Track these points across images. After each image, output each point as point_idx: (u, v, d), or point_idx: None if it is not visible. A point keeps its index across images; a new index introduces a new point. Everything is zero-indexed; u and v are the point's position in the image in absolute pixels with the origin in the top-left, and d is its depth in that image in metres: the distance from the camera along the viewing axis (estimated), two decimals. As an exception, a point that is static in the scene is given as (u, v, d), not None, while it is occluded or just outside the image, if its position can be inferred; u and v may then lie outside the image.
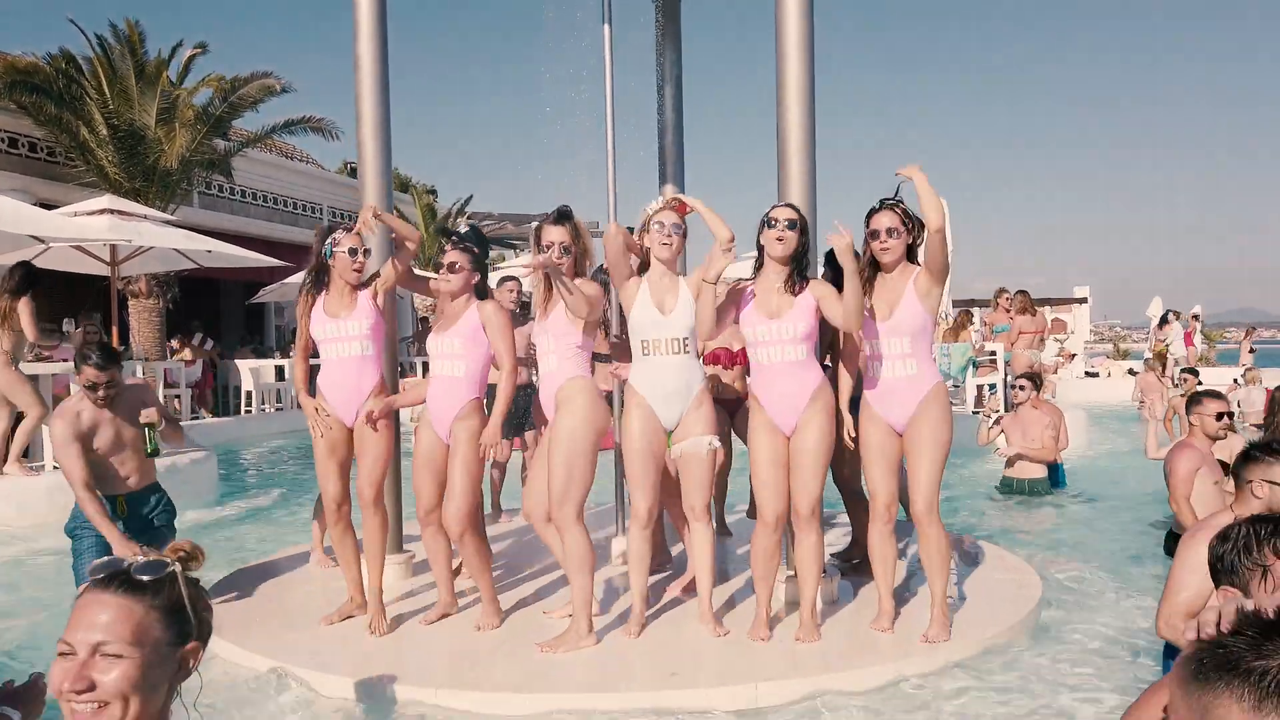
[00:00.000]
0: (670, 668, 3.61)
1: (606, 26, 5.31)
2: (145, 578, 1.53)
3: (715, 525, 4.40)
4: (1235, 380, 15.70)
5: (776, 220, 3.77)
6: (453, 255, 4.03)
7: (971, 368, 11.76)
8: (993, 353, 11.93)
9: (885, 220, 3.80)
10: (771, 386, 3.79)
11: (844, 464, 4.58)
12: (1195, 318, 21.75)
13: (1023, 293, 12.47)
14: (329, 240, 4.10)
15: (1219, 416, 5.07)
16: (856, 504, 4.77)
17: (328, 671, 3.68)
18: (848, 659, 3.70)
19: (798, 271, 3.79)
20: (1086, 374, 22.41)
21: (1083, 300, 29.42)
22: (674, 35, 6.18)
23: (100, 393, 4.16)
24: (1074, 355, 24.26)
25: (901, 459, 3.90)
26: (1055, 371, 20.18)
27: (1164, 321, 21.60)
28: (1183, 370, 10.93)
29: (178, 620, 1.54)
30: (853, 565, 4.89)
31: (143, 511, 4.43)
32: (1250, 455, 3.17)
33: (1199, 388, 7.72)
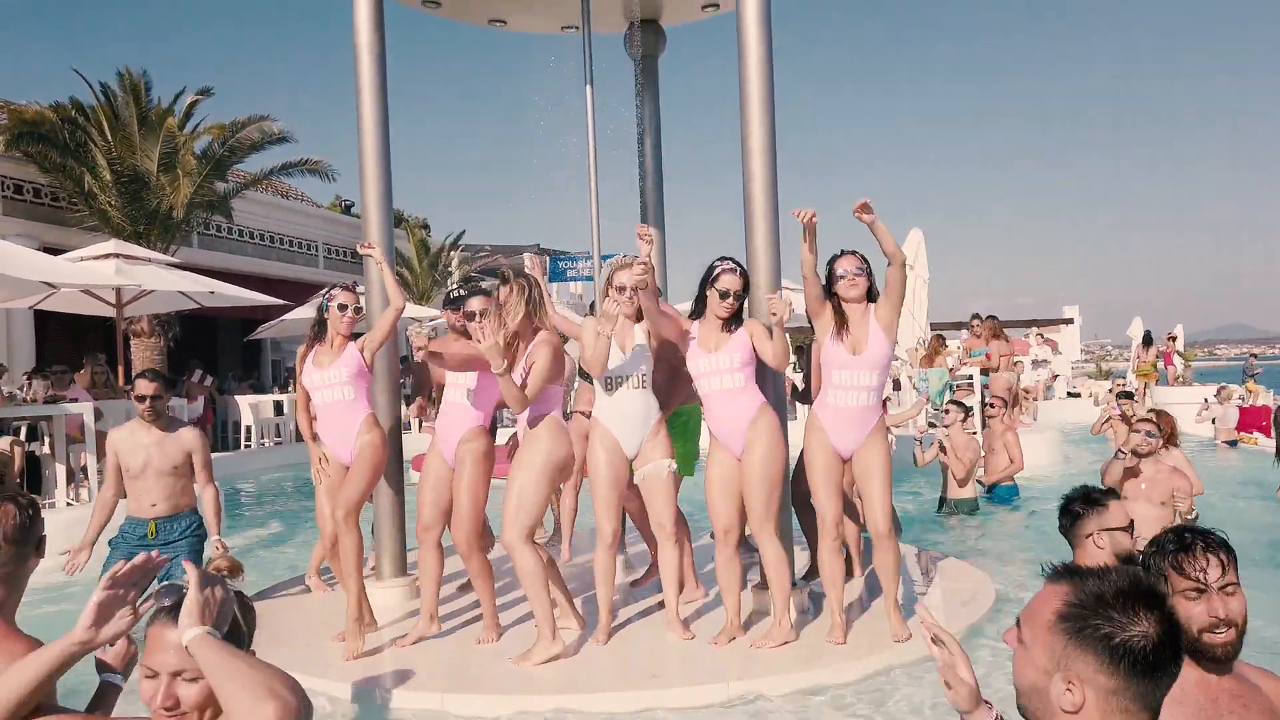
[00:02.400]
0: (644, 670, 4.01)
1: (589, 87, 5.79)
2: None
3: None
4: (1206, 399, 16.15)
5: (728, 292, 4.20)
6: (474, 304, 4.51)
7: (949, 391, 12.17)
8: (969, 376, 12.34)
9: (851, 262, 4.28)
10: (715, 413, 4.23)
11: (801, 479, 5.01)
12: (1172, 338, 22.22)
13: (992, 318, 12.95)
14: (326, 295, 4.56)
15: (1134, 452, 5.26)
16: (811, 518, 5.20)
17: (327, 679, 4.02)
18: (807, 661, 4.07)
19: (735, 318, 4.26)
20: (1069, 394, 22.81)
21: (1069, 321, 29.94)
22: (652, 90, 6.66)
23: (148, 404, 4.72)
24: (1056, 376, 24.72)
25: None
26: (1039, 395, 20.62)
27: (1147, 342, 22.08)
28: (1119, 395, 11.27)
29: (232, 634, 1.91)
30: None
31: (170, 534, 4.84)
32: (1076, 511, 3.10)
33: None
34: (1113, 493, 3.13)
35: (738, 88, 4.79)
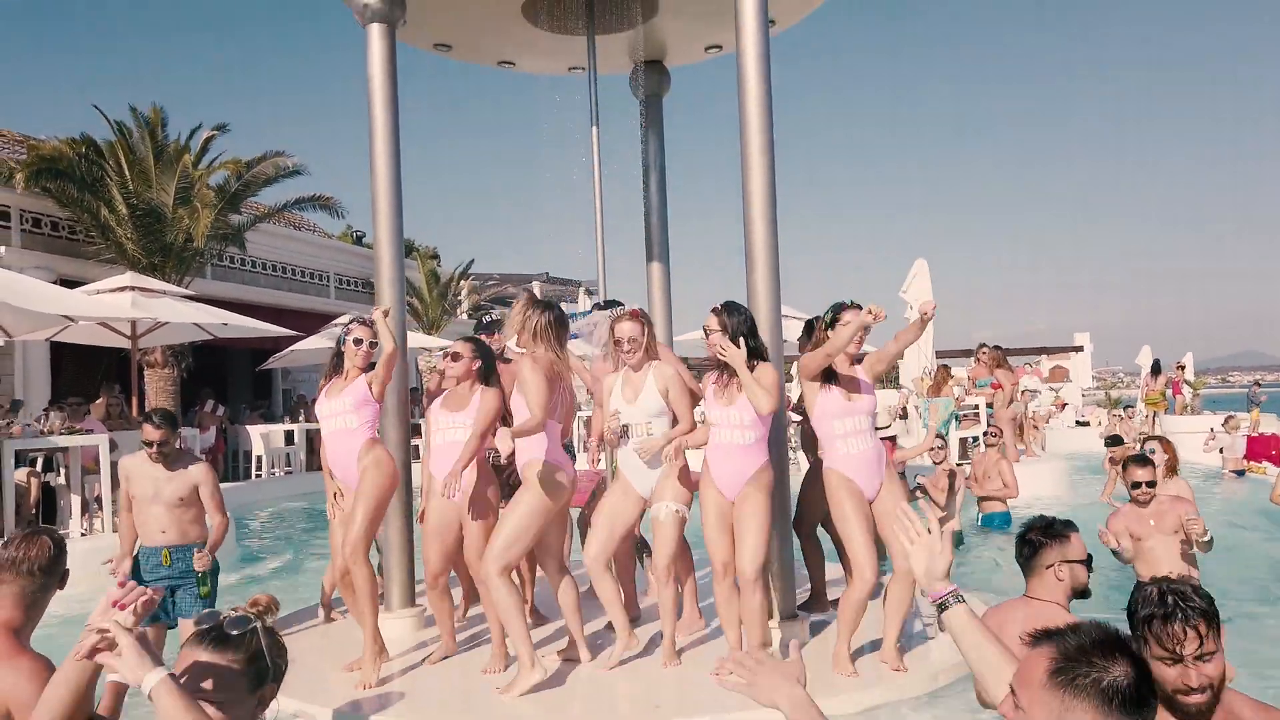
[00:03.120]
0: (646, 701, 4.09)
1: (594, 127, 5.95)
2: (233, 632, 2.01)
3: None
4: (1212, 429, 16.12)
5: (708, 330, 4.30)
6: (456, 346, 4.71)
7: (954, 421, 12.22)
8: (975, 406, 12.40)
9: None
10: (718, 460, 4.31)
11: (807, 512, 5.09)
12: (1180, 367, 22.20)
13: (997, 348, 13.02)
14: (344, 329, 4.70)
15: (1135, 484, 5.16)
16: (813, 548, 5.26)
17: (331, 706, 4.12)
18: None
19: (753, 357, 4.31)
20: (1077, 423, 22.77)
21: (1079, 348, 29.90)
22: (657, 129, 6.82)
23: (154, 449, 4.80)
24: (1065, 404, 24.68)
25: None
26: (1047, 420, 20.61)
27: (1156, 370, 22.06)
28: (1107, 442, 11.27)
29: (257, 667, 2.01)
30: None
31: (183, 561, 4.89)
32: (1038, 542, 3.09)
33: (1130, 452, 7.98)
34: (1072, 524, 3.13)
35: (739, 125, 4.93)
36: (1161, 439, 7.43)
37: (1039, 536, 3.08)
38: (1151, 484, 5.16)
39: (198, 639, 2.00)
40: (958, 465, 11.94)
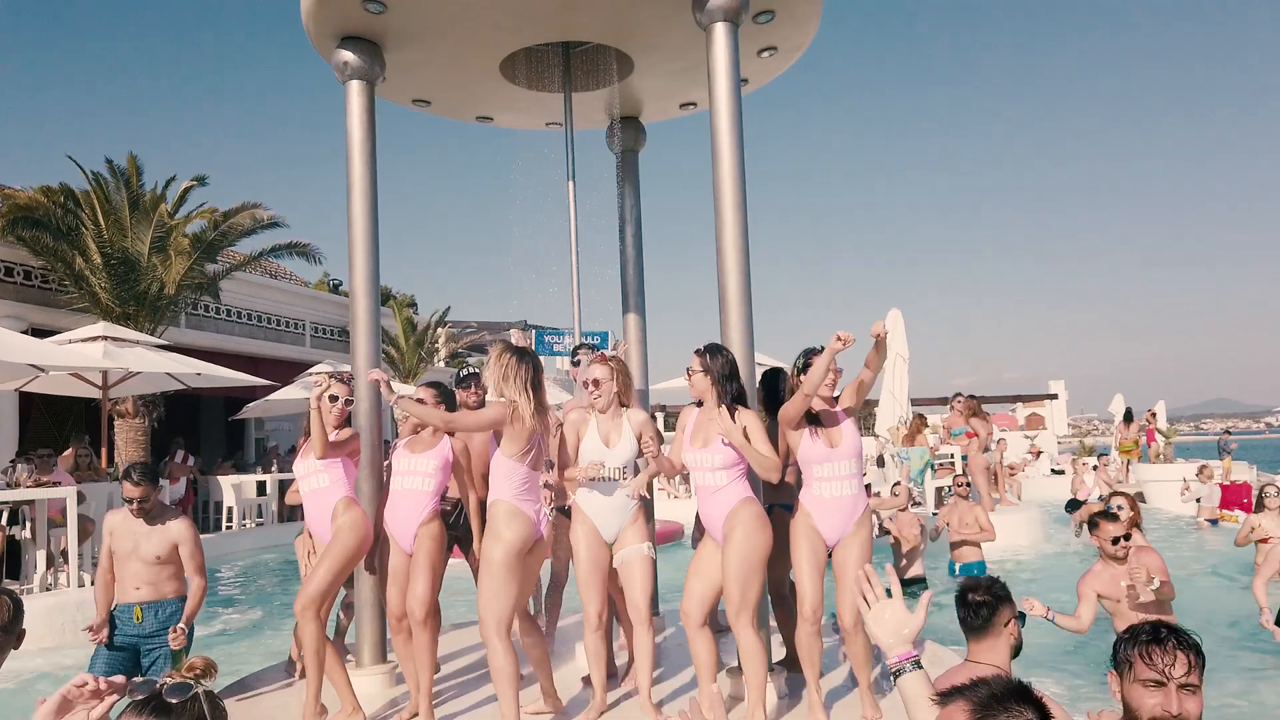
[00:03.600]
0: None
1: (570, 182, 6.03)
2: (173, 700, 1.97)
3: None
4: (1185, 479, 16.29)
5: (690, 371, 4.34)
6: (420, 392, 4.78)
7: (930, 470, 12.29)
8: (950, 455, 12.48)
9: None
10: (700, 504, 4.34)
11: (771, 569, 5.06)
12: (1152, 415, 22.47)
13: (972, 397, 13.14)
14: (321, 385, 4.68)
15: (1114, 540, 5.15)
16: (782, 608, 5.23)
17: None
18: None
19: (738, 403, 4.35)
20: (1053, 471, 22.92)
21: (1054, 396, 30.20)
22: (633, 182, 6.91)
23: (134, 506, 4.81)
24: (1040, 453, 24.86)
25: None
26: (1023, 469, 20.75)
27: (1128, 419, 22.32)
28: (1067, 506, 11.40)
29: None
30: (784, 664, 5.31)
31: (156, 620, 4.85)
32: (995, 601, 3.17)
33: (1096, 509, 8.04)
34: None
35: (712, 181, 5.01)
36: (1128, 495, 7.52)
37: (991, 596, 3.12)
38: (1127, 537, 5.15)
39: (137, 709, 1.96)
40: (932, 514, 12.04)
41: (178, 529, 4.91)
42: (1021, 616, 3.17)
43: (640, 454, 4.40)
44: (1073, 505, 10.99)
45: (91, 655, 4.93)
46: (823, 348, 4.40)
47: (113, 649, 4.83)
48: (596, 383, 4.43)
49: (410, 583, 4.53)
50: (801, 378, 4.38)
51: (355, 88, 5.38)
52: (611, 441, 4.43)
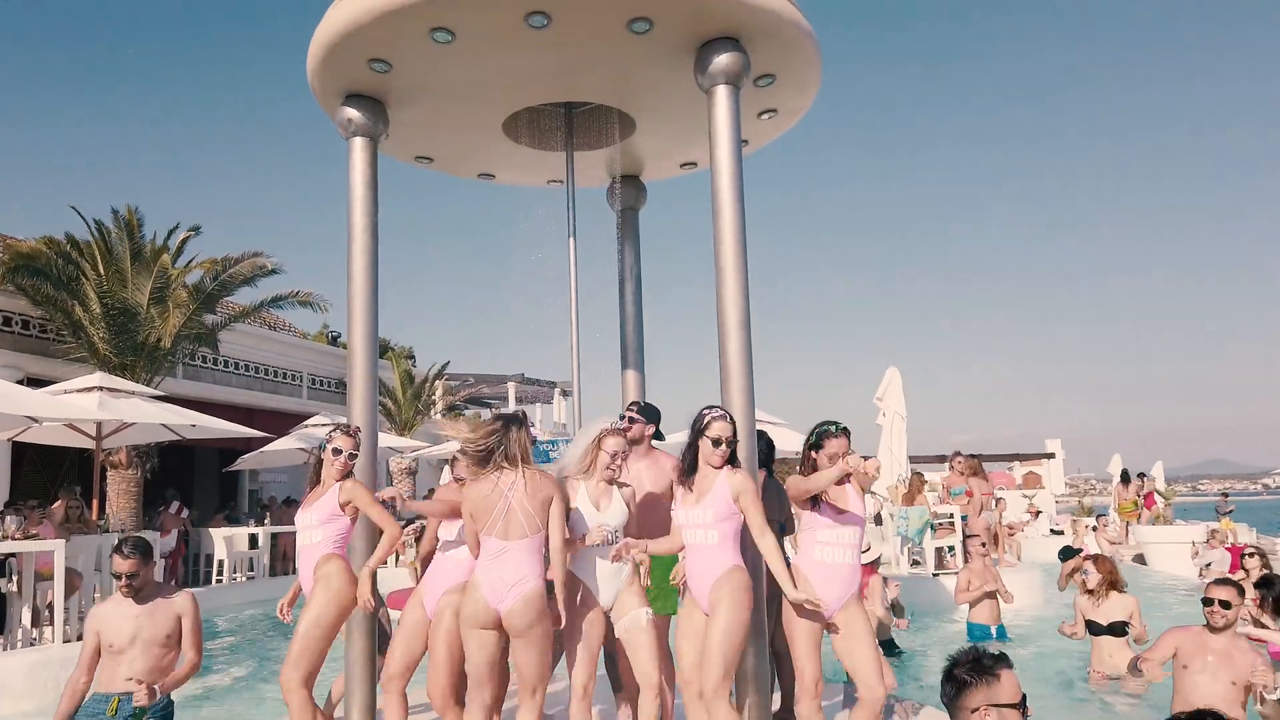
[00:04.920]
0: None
1: (571, 239, 6.05)
2: None
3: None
4: (1194, 543, 16.15)
5: (720, 439, 4.26)
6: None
7: (929, 530, 12.17)
8: (950, 515, 12.37)
9: (842, 445, 4.39)
10: (688, 565, 4.28)
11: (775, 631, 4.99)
12: (1141, 476, 22.38)
13: (973, 456, 13.08)
14: (326, 437, 4.62)
15: (1208, 604, 4.87)
16: (783, 663, 5.15)
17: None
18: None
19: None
20: (1052, 531, 22.71)
21: (1052, 455, 30.06)
22: (633, 240, 6.94)
23: (123, 582, 4.42)
24: (1039, 512, 24.67)
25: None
26: (1023, 529, 20.56)
27: (1125, 479, 22.22)
28: (1061, 554, 11.28)
29: None
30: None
31: (130, 717, 4.40)
32: (962, 680, 2.70)
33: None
34: (1004, 659, 2.73)
35: (713, 240, 5.02)
36: (1096, 558, 7.45)
37: (965, 673, 2.68)
38: (1226, 604, 4.77)
39: None
40: (933, 575, 11.89)
41: (183, 601, 4.61)
42: (1023, 704, 2.65)
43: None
44: (1066, 553, 10.85)
45: None
46: (838, 427, 4.39)
47: None
48: (621, 455, 4.40)
49: (430, 667, 4.39)
50: (814, 453, 4.36)
51: (358, 144, 5.42)
52: (601, 506, 4.38)
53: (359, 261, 5.35)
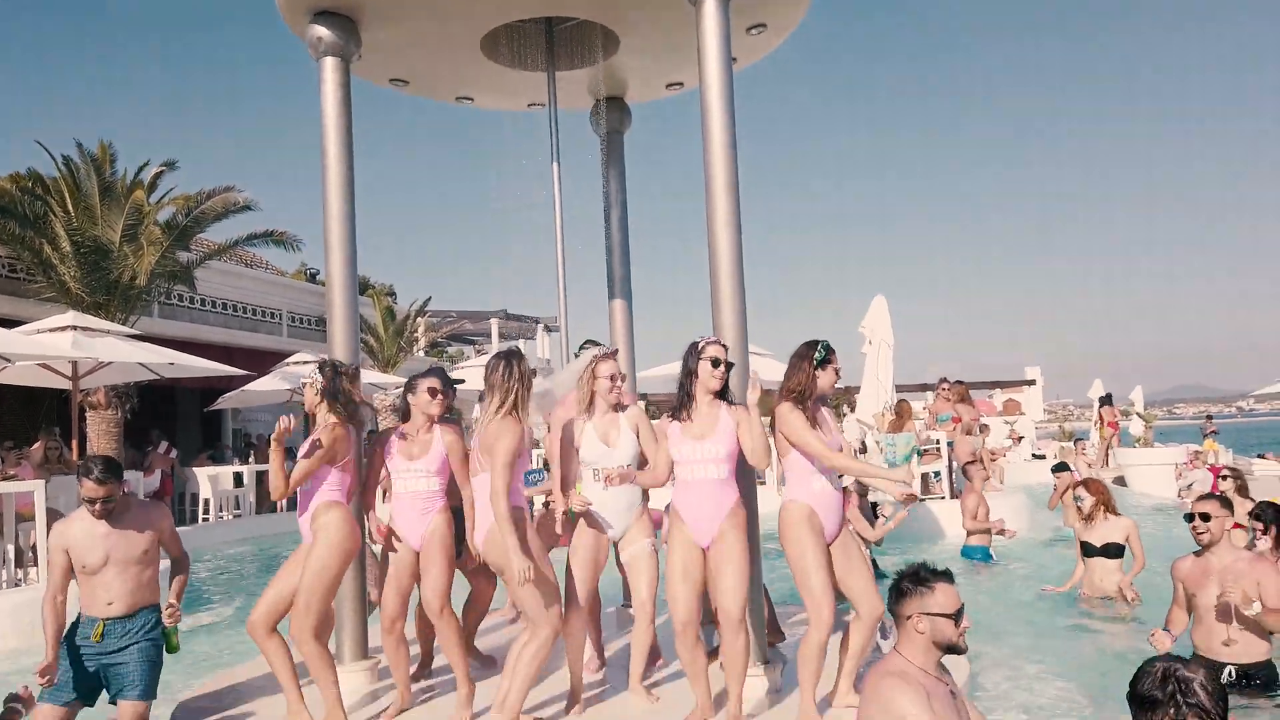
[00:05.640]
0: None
1: (555, 164, 5.85)
2: None
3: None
4: (1178, 465, 16.35)
5: (719, 360, 4.19)
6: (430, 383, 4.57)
7: (916, 456, 12.22)
8: (937, 441, 12.41)
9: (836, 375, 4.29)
10: (690, 501, 4.19)
11: None
12: (1103, 400, 22.61)
13: (959, 382, 13.08)
14: (306, 376, 4.50)
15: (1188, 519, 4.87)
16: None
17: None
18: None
19: (722, 397, 4.24)
20: (1034, 456, 23.00)
21: (1032, 382, 30.33)
22: (618, 166, 6.75)
23: (98, 507, 4.20)
24: (1021, 437, 24.95)
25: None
26: (1004, 455, 20.78)
27: (1107, 403, 22.45)
28: (1054, 469, 11.36)
29: None
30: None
31: (120, 638, 4.26)
32: (901, 590, 2.96)
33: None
34: (946, 574, 2.96)
35: (702, 162, 4.86)
36: (1086, 481, 7.46)
37: (904, 584, 2.94)
38: (1206, 517, 4.74)
39: None
40: (920, 499, 11.98)
41: (156, 512, 4.43)
42: (959, 615, 2.86)
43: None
44: (1059, 467, 10.95)
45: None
46: (829, 353, 4.27)
47: (72, 662, 4.23)
48: (617, 378, 4.43)
49: (424, 576, 4.47)
50: (818, 371, 4.22)
51: (329, 65, 5.18)
52: (611, 440, 4.39)
53: (334, 188, 5.16)
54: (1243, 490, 8.46)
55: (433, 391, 4.55)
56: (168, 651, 4.41)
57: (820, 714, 4.16)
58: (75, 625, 4.32)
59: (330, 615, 4.49)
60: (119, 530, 4.25)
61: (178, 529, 4.75)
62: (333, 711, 4.27)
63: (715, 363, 4.17)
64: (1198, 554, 4.89)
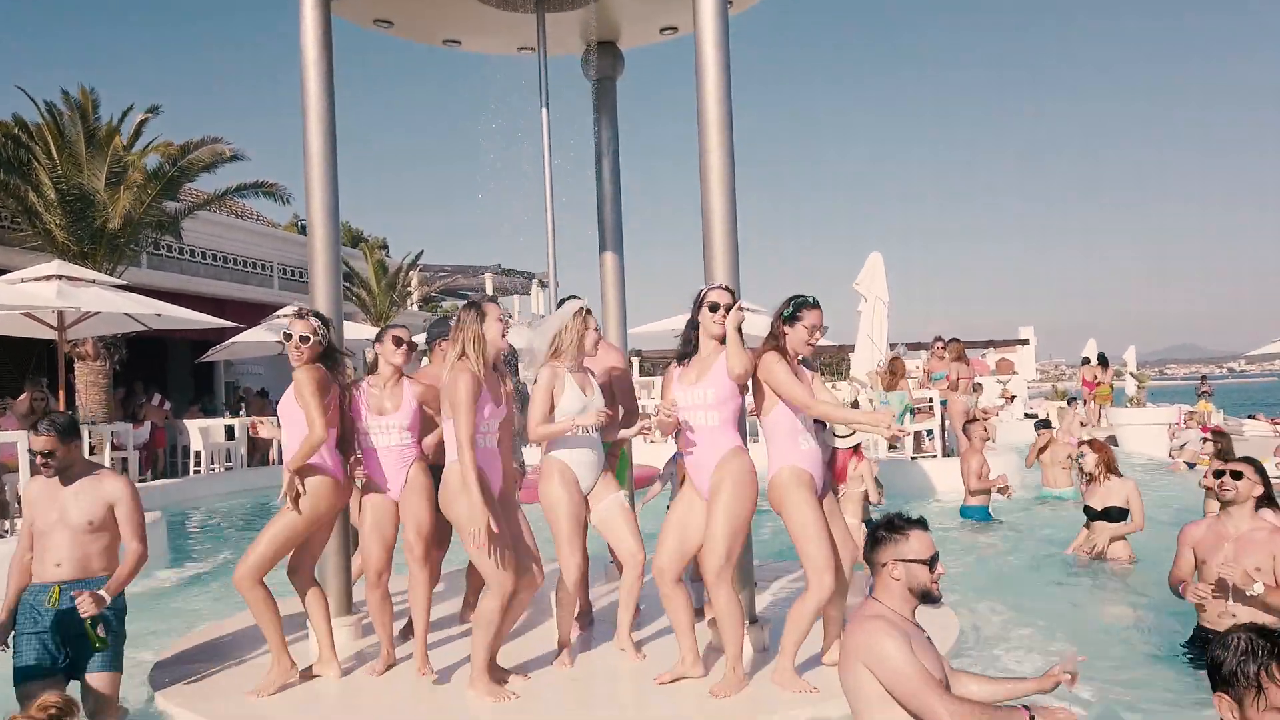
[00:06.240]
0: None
1: (544, 110, 5.67)
2: None
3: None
4: (1170, 425, 16.34)
5: (717, 305, 4.08)
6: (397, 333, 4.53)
7: (909, 414, 12.17)
8: (930, 399, 12.36)
9: (819, 318, 4.14)
10: (688, 448, 4.12)
11: None
12: (1086, 361, 22.62)
13: (955, 340, 13.00)
14: (287, 324, 4.37)
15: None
16: None
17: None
18: (770, 708, 3.93)
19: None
20: (1026, 415, 23.00)
21: (1025, 341, 30.26)
22: (610, 113, 6.56)
23: (40, 461, 4.02)
24: (1014, 397, 24.96)
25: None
26: (997, 414, 20.77)
27: (1103, 363, 22.42)
28: (1036, 425, 11.30)
29: None
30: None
31: (75, 609, 3.92)
32: (877, 538, 3.00)
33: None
34: (919, 521, 3.02)
35: (696, 109, 4.71)
36: (1092, 442, 7.35)
37: (879, 532, 2.99)
38: (1238, 475, 4.39)
39: None
40: (911, 459, 11.95)
41: (113, 485, 4.11)
42: (933, 561, 2.91)
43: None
44: (1043, 424, 10.94)
45: (14, 642, 4.04)
46: (814, 300, 4.15)
47: (40, 633, 3.96)
48: (596, 331, 4.32)
49: (405, 519, 4.41)
50: (786, 327, 4.12)
51: (309, 3, 4.99)
52: (588, 392, 4.30)
53: (315, 131, 5.01)
54: (1223, 454, 8.45)
55: (397, 341, 4.47)
56: (93, 647, 3.97)
57: (799, 675, 4.11)
58: (19, 608, 4.07)
59: (274, 560, 4.31)
60: (72, 494, 4.06)
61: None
62: (279, 657, 4.30)
63: (714, 307, 4.06)
64: (1216, 517, 4.59)
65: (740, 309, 4.07)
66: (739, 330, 4.01)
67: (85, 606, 3.82)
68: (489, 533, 3.82)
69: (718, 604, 4.03)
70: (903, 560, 2.90)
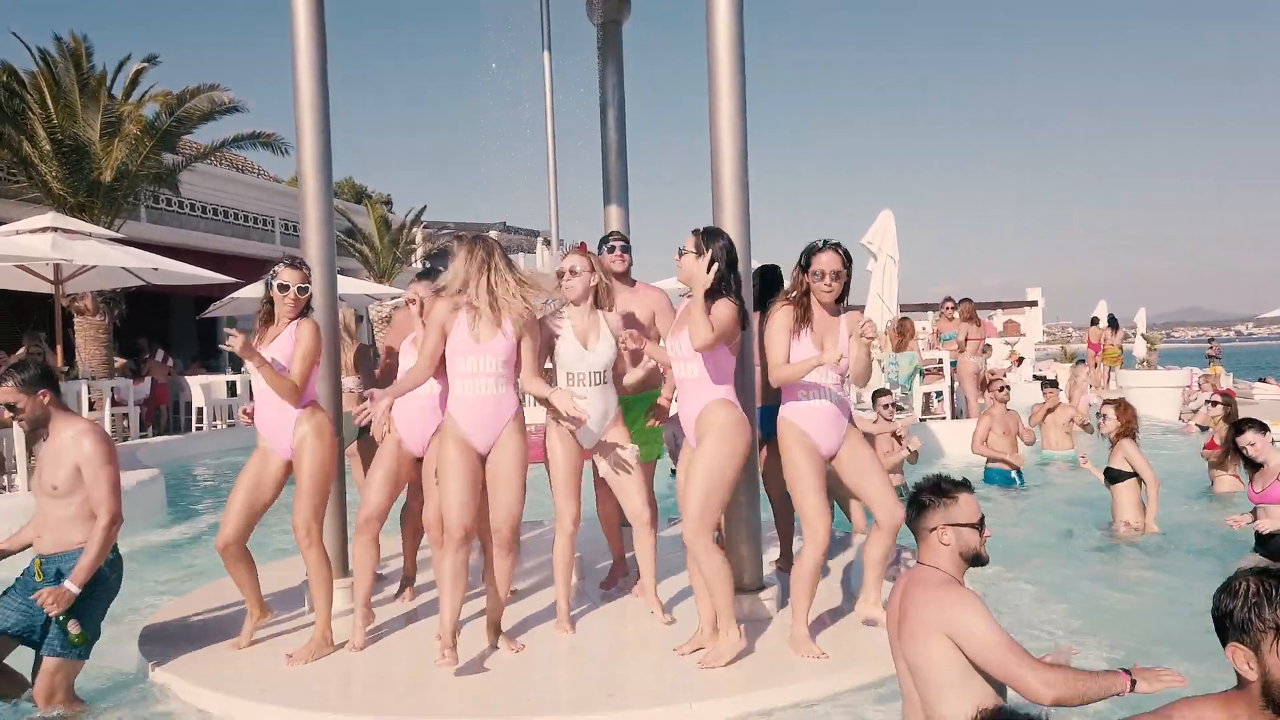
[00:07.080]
0: (600, 689, 3.73)
1: (546, 54, 5.43)
2: None
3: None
4: (1184, 388, 16.17)
5: (823, 273, 3.89)
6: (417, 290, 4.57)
7: (918, 375, 12.00)
8: (939, 360, 12.18)
9: (832, 263, 3.90)
10: (679, 400, 3.97)
11: (773, 479, 4.75)
12: (1094, 321, 22.41)
13: (966, 300, 12.77)
14: (271, 273, 4.16)
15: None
16: (783, 516, 5.00)
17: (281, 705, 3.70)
18: (779, 674, 3.79)
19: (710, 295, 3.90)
20: (1035, 377, 22.83)
21: (1034, 303, 30.02)
22: (615, 60, 6.30)
23: (9, 416, 3.77)
24: (1022, 359, 24.77)
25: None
26: (1005, 374, 20.61)
27: (1113, 325, 22.21)
28: (1043, 385, 11.11)
29: None
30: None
31: (54, 581, 3.65)
32: (922, 503, 2.87)
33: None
34: (964, 484, 2.91)
35: (705, 58, 4.47)
36: (1117, 402, 7.13)
37: (926, 497, 2.88)
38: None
39: None
40: (920, 420, 11.79)
41: (78, 443, 3.64)
42: (981, 524, 2.81)
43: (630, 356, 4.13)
44: (1047, 383, 10.76)
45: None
46: (826, 243, 3.96)
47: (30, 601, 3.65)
48: (572, 272, 4.07)
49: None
50: (805, 276, 3.95)
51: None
52: (590, 342, 4.09)
53: (305, 72, 4.78)
54: (1230, 418, 8.32)
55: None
56: (70, 643, 3.62)
57: (812, 636, 3.98)
58: (16, 579, 3.83)
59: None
60: (49, 454, 3.74)
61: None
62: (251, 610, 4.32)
63: (681, 253, 3.85)
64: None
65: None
66: (707, 295, 3.68)
67: (48, 607, 3.48)
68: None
69: (705, 567, 3.78)
70: (953, 524, 2.80)
